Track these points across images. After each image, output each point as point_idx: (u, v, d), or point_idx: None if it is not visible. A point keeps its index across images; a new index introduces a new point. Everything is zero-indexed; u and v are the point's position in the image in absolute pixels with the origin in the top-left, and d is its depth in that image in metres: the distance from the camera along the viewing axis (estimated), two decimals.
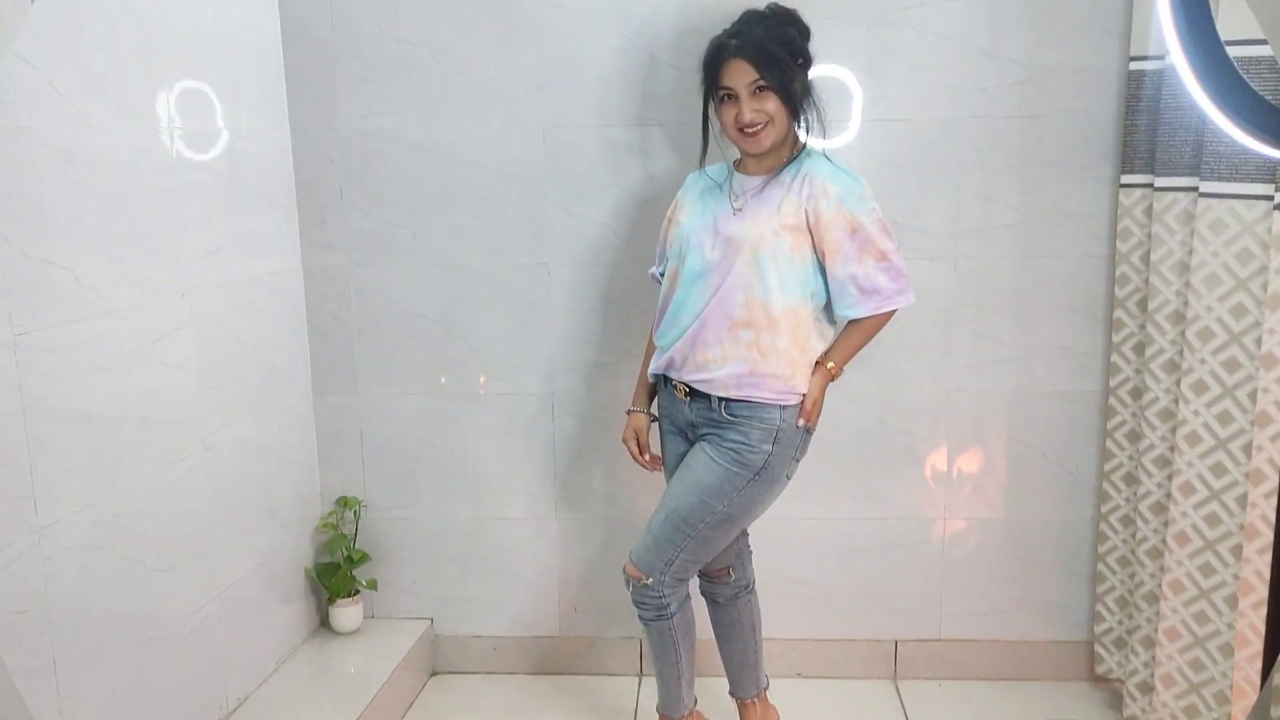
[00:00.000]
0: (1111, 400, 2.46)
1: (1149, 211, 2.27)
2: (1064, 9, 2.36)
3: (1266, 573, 1.85)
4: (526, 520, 2.70)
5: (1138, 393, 2.36)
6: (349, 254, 2.59)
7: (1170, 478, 2.16)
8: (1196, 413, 2.06)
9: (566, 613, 2.74)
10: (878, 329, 2.08)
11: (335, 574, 2.61)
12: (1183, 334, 2.12)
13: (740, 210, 2.03)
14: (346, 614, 2.65)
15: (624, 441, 2.28)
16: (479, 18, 2.46)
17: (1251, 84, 1.62)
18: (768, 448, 2.02)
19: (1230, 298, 1.98)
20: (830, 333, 2.11)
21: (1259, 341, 1.93)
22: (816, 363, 2.06)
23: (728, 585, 2.28)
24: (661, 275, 2.20)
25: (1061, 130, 2.42)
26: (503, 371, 2.63)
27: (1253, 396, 1.96)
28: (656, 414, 2.26)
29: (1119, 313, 2.40)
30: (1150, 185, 2.25)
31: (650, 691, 2.64)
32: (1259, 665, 1.88)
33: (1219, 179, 1.97)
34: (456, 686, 2.71)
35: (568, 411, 2.64)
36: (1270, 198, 1.90)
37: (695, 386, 2.06)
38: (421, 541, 2.72)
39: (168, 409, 2.03)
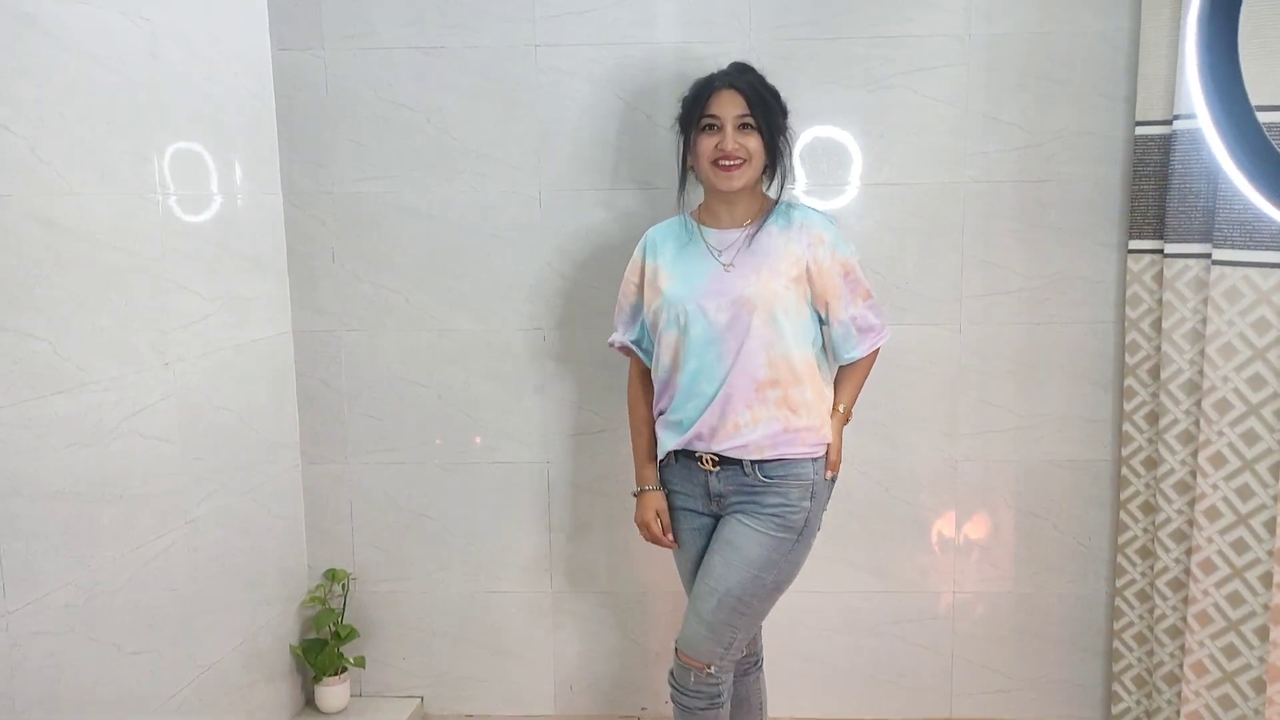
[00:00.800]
0: (1124, 471, 2.38)
1: (1159, 278, 2.22)
2: (1066, 75, 2.34)
3: None
4: (521, 594, 2.61)
5: (1151, 463, 2.29)
6: (340, 319, 2.54)
7: (1189, 553, 2.09)
8: (1215, 486, 1.99)
9: (562, 691, 2.64)
10: (871, 367, 2.09)
11: (322, 651, 2.51)
12: (1198, 404, 2.06)
13: (732, 266, 1.96)
14: (333, 693, 2.54)
15: (644, 525, 2.09)
16: (475, 81, 2.43)
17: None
18: (807, 504, 1.97)
19: (1247, 368, 1.93)
20: (829, 377, 2.07)
21: (1278, 414, 1.87)
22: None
23: (738, 661, 2.19)
24: (633, 345, 2.12)
25: (1066, 195, 2.39)
26: (497, 439, 2.56)
27: (1274, 471, 1.90)
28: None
29: (1130, 381, 2.34)
30: (1160, 251, 2.21)
31: None
32: None
33: (1232, 246, 1.93)
34: None
35: (563, 480, 2.57)
36: None
37: (727, 455, 1.97)
38: (412, 616, 2.63)
39: (147, 483, 1.96)
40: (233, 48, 2.28)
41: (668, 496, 2.10)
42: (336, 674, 2.54)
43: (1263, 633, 1.93)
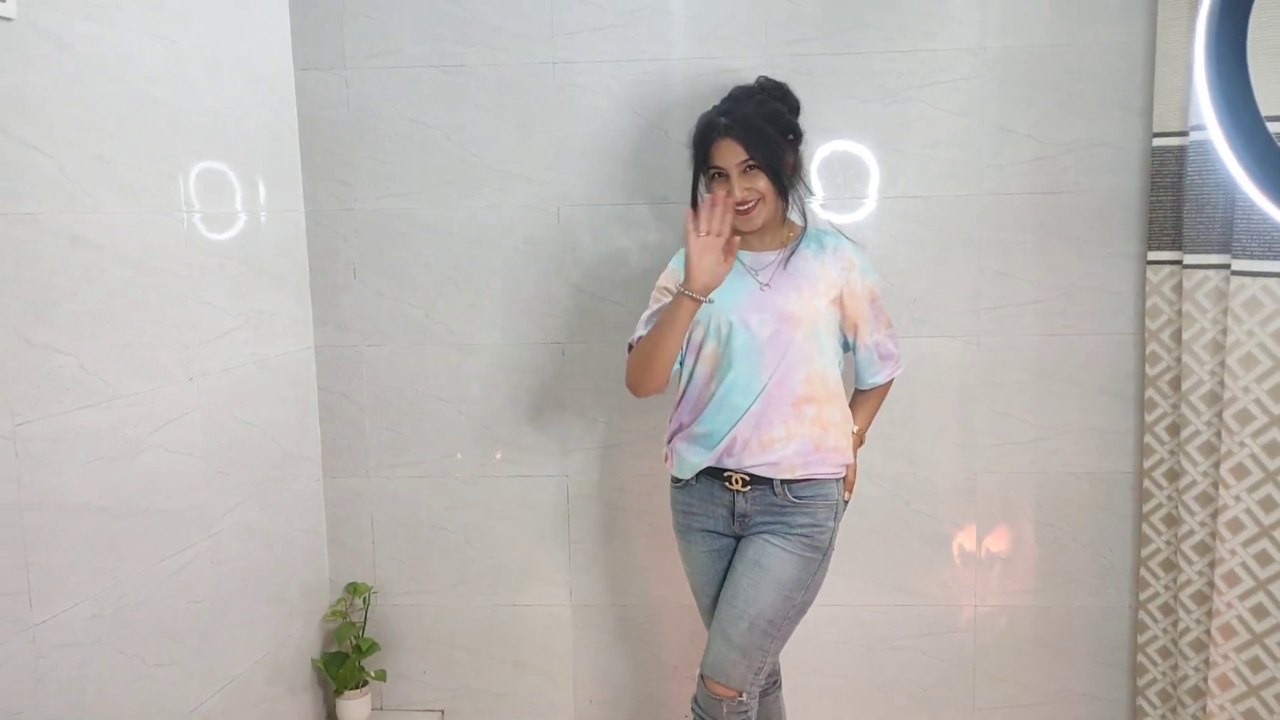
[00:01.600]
0: (1146, 483, 2.37)
1: (1178, 289, 2.22)
2: (1081, 87, 2.34)
3: None
4: (541, 607, 2.62)
5: (1173, 475, 2.27)
6: (362, 334, 2.56)
7: (1212, 565, 2.07)
8: (1238, 498, 1.98)
9: (582, 704, 2.64)
10: (886, 395, 2.16)
11: (343, 664, 2.53)
12: (1219, 415, 2.04)
13: (769, 286, 1.98)
14: (354, 706, 2.56)
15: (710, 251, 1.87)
16: (494, 99, 2.46)
17: None
18: (832, 524, 2.00)
19: (1268, 379, 1.92)
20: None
21: None
22: None
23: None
24: None
25: (1082, 207, 2.38)
26: (516, 453, 2.58)
27: None
28: (676, 514, 2.12)
29: (1150, 392, 2.33)
30: (1179, 262, 2.20)
31: None
32: None
33: (1251, 257, 1.92)
34: None
35: (582, 494, 2.58)
36: None
37: (757, 473, 1.97)
38: (433, 629, 2.64)
39: (171, 497, 1.98)
40: (256, 68, 2.32)
41: (685, 518, 2.09)
42: (358, 687, 2.55)
43: None
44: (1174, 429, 2.26)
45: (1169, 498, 2.31)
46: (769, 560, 1.95)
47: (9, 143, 1.59)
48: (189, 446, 2.04)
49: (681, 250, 2.10)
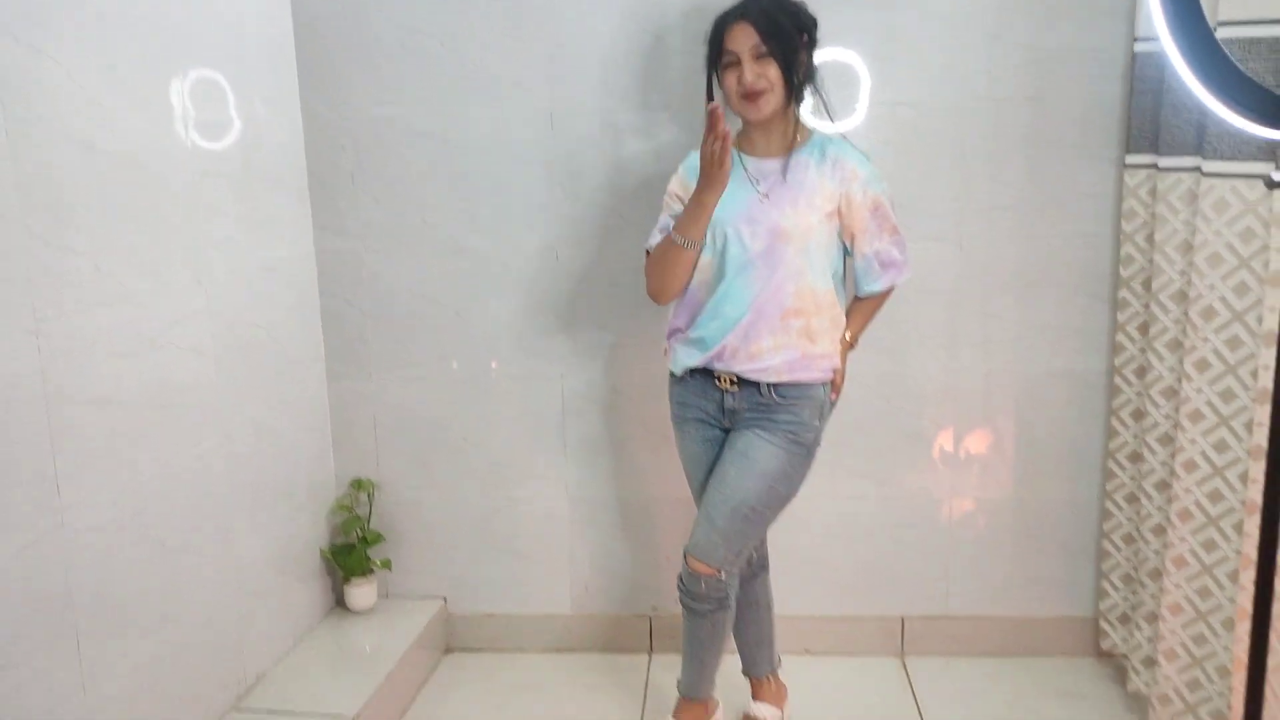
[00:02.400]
0: (1116, 379, 2.48)
1: (1153, 192, 2.29)
2: None
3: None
4: (537, 501, 2.74)
5: (1142, 371, 2.38)
6: (361, 240, 2.63)
7: (1174, 455, 2.18)
8: (1199, 390, 2.08)
9: (578, 592, 2.79)
10: (885, 301, 2.20)
11: (350, 554, 2.66)
12: (1186, 313, 2.13)
13: (767, 197, 2.02)
14: (361, 593, 2.70)
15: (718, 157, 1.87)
16: (487, 5, 2.48)
17: (1245, 65, 1.64)
18: (817, 424, 2.09)
19: (1233, 276, 2.00)
20: (843, 305, 2.15)
21: (1260, 319, 1.95)
22: None
23: (747, 566, 2.31)
24: None
25: (1066, 112, 2.43)
26: (513, 355, 2.66)
27: (1254, 374, 1.98)
28: (673, 405, 2.22)
29: (1124, 292, 2.42)
30: (1154, 165, 2.27)
31: (660, 668, 2.69)
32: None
33: (1221, 158, 1.99)
34: (470, 664, 2.76)
35: (577, 394, 2.68)
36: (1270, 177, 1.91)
37: (746, 376, 2.07)
38: (434, 522, 2.77)
39: (184, 393, 2.08)
40: None
41: (680, 409, 2.20)
42: (364, 575, 2.69)
43: (1239, 526, 2.03)
44: (1144, 327, 2.35)
45: (1137, 393, 2.41)
46: (755, 452, 2.06)
47: (19, 48, 1.63)
48: (199, 346, 2.12)
49: (689, 155, 2.16)
